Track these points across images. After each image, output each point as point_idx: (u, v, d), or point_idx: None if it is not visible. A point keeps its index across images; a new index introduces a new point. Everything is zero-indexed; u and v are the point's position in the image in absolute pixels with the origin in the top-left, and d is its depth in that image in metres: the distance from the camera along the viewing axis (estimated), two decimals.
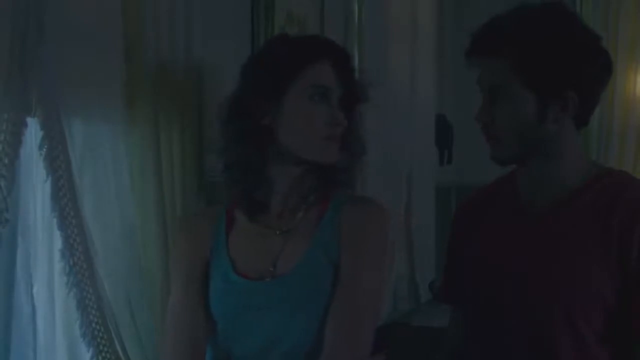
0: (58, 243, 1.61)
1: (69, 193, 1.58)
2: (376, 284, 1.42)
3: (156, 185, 1.82)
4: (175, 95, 1.87)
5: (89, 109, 1.67)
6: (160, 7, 1.82)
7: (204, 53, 1.96)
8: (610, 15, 3.77)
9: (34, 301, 1.60)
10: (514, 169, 1.55)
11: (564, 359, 1.44)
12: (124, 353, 1.71)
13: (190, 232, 1.49)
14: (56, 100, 1.54)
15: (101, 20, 1.69)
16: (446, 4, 4.05)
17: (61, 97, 1.55)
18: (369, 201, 1.48)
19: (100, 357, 1.67)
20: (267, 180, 1.42)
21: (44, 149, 1.54)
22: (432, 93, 3.76)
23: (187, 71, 1.91)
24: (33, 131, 1.53)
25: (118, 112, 1.74)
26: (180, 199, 1.88)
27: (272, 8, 2.38)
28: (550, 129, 1.44)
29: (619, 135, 3.82)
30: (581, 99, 1.43)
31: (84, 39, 1.63)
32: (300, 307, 1.38)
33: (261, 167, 1.42)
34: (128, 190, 1.78)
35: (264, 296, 1.39)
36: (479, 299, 1.55)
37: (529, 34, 1.41)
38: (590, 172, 1.50)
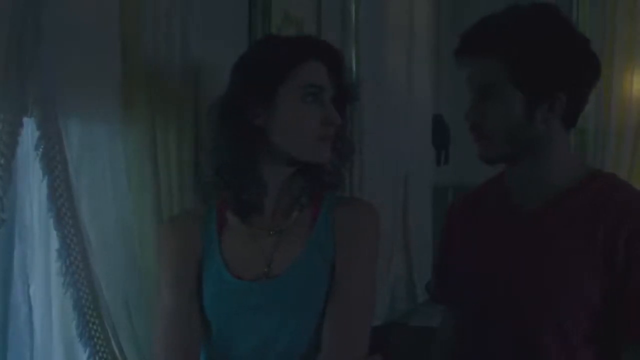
0: (55, 243, 1.61)
1: (65, 193, 1.58)
2: (371, 284, 1.42)
3: (153, 185, 1.82)
4: (172, 95, 1.87)
5: (86, 109, 1.67)
6: (158, 8, 1.82)
7: (201, 54, 1.96)
8: (607, 16, 3.77)
9: (30, 301, 1.59)
10: (504, 169, 1.56)
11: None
12: (121, 353, 1.71)
13: (180, 234, 1.47)
14: (53, 101, 1.54)
15: (99, 21, 1.69)
16: (443, 5, 4.06)
17: (58, 97, 1.55)
18: (361, 202, 1.50)
19: (97, 357, 1.67)
20: (259, 181, 1.42)
21: (41, 149, 1.54)
22: (429, 93, 3.77)
23: (185, 72, 1.91)
24: (30, 131, 1.53)
25: (115, 113, 1.74)
26: (177, 199, 1.88)
27: (270, 9, 2.38)
28: (539, 129, 1.44)
29: (616, 135, 3.82)
30: (569, 100, 1.43)
31: (82, 40, 1.63)
32: (296, 308, 1.38)
33: (253, 167, 1.41)
34: (125, 191, 1.78)
35: (259, 297, 1.39)
36: (470, 299, 1.56)
37: (522, 34, 1.42)
38: (580, 173, 1.50)
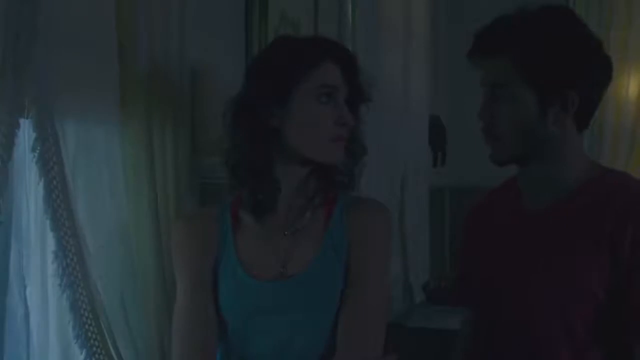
0: (51, 244, 1.60)
1: (62, 194, 1.58)
2: (385, 284, 1.44)
3: (149, 186, 1.82)
4: (168, 96, 1.87)
5: (82, 110, 1.67)
6: (153, 8, 1.81)
7: (197, 54, 1.96)
8: (603, 18, 3.78)
9: (27, 303, 1.59)
10: (520, 170, 1.56)
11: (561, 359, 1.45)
12: (117, 354, 1.70)
13: (197, 233, 1.47)
14: (49, 102, 1.53)
15: (95, 22, 1.69)
16: (440, 5, 4.06)
17: (55, 98, 1.54)
18: (374, 202, 1.49)
19: (93, 359, 1.66)
20: (273, 181, 1.42)
21: (37, 151, 1.53)
22: (426, 94, 3.76)
23: (181, 72, 1.91)
24: (26, 133, 1.53)
25: (111, 113, 1.74)
26: (174, 200, 1.87)
27: (267, 9, 2.38)
28: (551, 129, 1.44)
29: (612, 137, 3.83)
30: (582, 100, 1.44)
31: (78, 40, 1.62)
32: (312, 308, 1.39)
33: (268, 168, 1.41)
34: (122, 192, 1.77)
35: (275, 297, 1.40)
36: (484, 300, 1.57)
37: (533, 34, 1.43)
38: (589, 173, 1.50)
